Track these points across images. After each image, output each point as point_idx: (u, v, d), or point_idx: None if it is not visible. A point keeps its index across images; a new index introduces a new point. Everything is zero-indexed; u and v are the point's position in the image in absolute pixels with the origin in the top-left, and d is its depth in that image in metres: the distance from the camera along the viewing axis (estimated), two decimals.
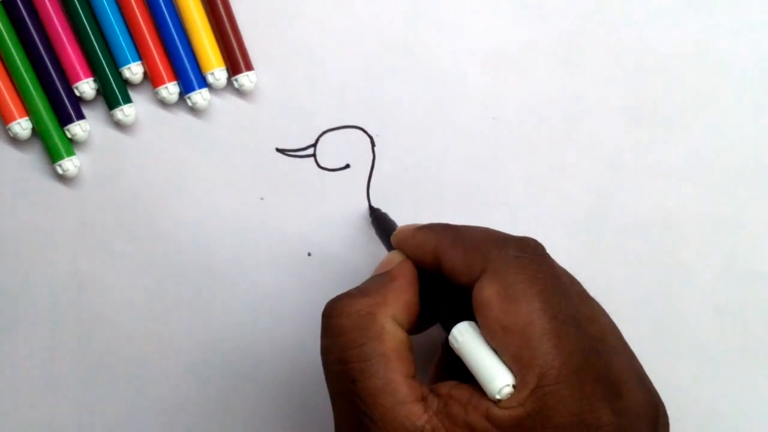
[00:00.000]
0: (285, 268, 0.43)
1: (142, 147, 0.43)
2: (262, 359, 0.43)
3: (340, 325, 0.29)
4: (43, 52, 0.41)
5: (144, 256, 0.43)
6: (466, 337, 0.28)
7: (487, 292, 0.27)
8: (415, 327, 0.31)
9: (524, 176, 0.42)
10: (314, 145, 0.43)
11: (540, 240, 0.42)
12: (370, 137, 0.43)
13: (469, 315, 0.29)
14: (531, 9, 0.42)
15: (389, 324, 0.29)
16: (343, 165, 0.43)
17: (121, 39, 0.41)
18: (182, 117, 0.43)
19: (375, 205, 0.43)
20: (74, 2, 0.41)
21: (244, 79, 0.42)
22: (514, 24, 0.42)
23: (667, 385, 0.42)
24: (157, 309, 0.43)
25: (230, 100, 0.43)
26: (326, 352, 0.29)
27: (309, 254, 0.43)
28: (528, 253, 0.28)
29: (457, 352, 0.28)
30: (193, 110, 0.42)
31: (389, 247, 0.35)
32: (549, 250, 0.42)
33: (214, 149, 0.43)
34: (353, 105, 0.42)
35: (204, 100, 0.42)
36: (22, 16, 0.41)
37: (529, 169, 0.42)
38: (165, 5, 0.41)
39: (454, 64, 0.42)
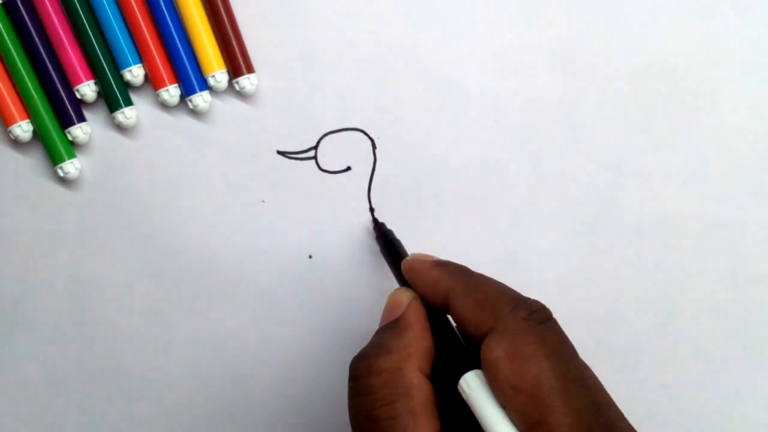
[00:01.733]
0: (286, 271, 0.43)
1: (143, 149, 0.43)
2: (263, 361, 0.43)
3: (368, 385, 0.29)
4: (44, 54, 0.41)
5: (145, 258, 0.43)
6: (473, 389, 0.28)
7: (497, 353, 0.28)
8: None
9: (525, 179, 0.42)
10: (315, 148, 0.43)
11: (541, 242, 0.42)
12: (371, 140, 0.43)
13: (473, 360, 0.29)
14: (532, 12, 0.42)
15: (417, 378, 0.29)
16: (344, 167, 0.43)
17: (122, 41, 0.41)
18: (183, 119, 0.43)
19: (375, 206, 0.43)
20: (75, 4, 0.41)
21: (245, 81, 0.42)
22: (515, 27, 0.42)
23: (667, 386, 0.42)
24: (158, 311, 0.43)
25: (231, 103, 0.43)
26: (356, 411, 0.30)
27: (310, 256, 0.43)
28: (537, 316, 0.29)
29: (465, 400, 0.29)
30: (194, 113, 0.42)
31: (394, 269, 0.36)
32: (549, 252, 0.42)
33: (215, 152, 0.43)
34: (354, 107, 0.42)
35: (205, 102, 0.42)
36: (23, 18, 0.41)
37: (530, 172, 0.42)
38: (166, 7, 0.41)
39: (455, 66, 0.42)
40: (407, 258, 0.34)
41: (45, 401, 0.43)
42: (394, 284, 0.43)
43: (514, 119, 0.42)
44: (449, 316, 0.31)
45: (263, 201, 0.43)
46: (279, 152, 0.43)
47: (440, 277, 0.31)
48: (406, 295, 0.32)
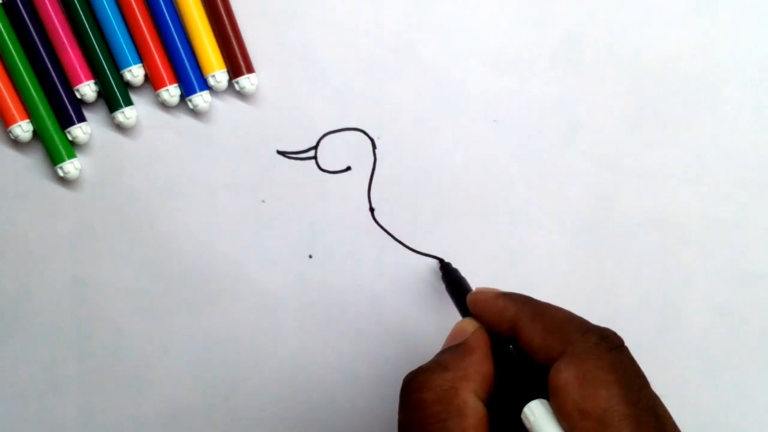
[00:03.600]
0: (286, 270, 0.43)
1: (143, 149, 0.43)
2: (263, 361, 0.43)
3: (421, 400, 0.29)
4: (44, 54, 0.41)
5: (145, 258, 0.43)
6: (538, 417, 0.28)
7: (566, 376, 0.27)
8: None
9: (525, 178, 0.42)
10: (315, 148, 0.43)
11: (541, 241, 0.42)
12: (371, 139, 0.43)
13: (539, 390, 0.29)
14: (532, 12, 0.42)
15: (471, 399, 0.29)
16: (344, 167, 0.43)
17: (122, 41, 0.41)
18: (183, 119, 0.43)
19: (375, 206, 0.43)
20: (75, 4, 0.41)
21: (245, 81, 0.42)
22: (515, 26, 0.42)
23: (667, 386, 0.42)
24: (158, 311, 0.43)
25: (231, 103, 0.43)
26: (406, 425, 0.29)
27: (310, 256, 0.43)
28: (609, 342, 0.28)
29: (528, 428, 0.28)
30: (194, 113, 0.42)
31: (460, 305, 0.36)
32: (550, 251, 0.42)
33: (215, 152, 0.43)
34: (354, 107, 0.42)
35: (205, 102, 0.42)
36: (23, 18, 0.41)
37: (530, 171, 0.42)
38: (166, 7, 0.41)
39: (455, 66, 0.42)
40: (472, 291, 0.34)
41: (45, 401, 0.43)
42: (395, 284, 0.43)
43: (514, 119, 0.42)
44: (514, 348, 0.31)
45: (263, 201, 0.43)
46: (279, 152, 0.43)
47: (506, 306, 0.31)
48: (472, 324, 0.32)
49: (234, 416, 0.43)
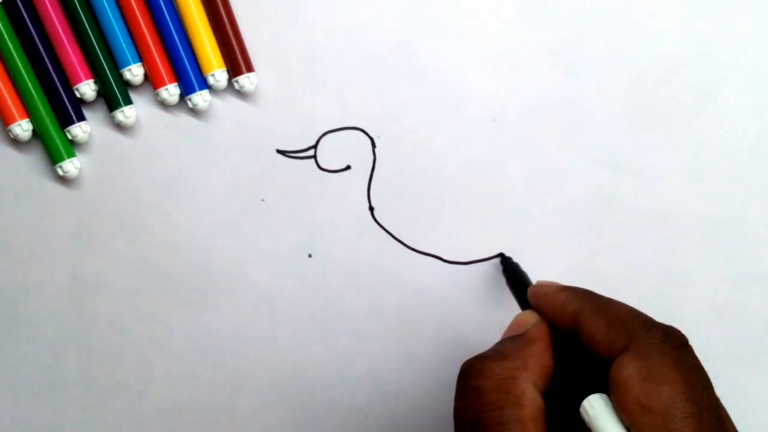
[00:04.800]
0: (286, 270, 0.43)
1: (142, 148, 0.43)
2: (263, 361, 0.43)
3: (479, 387, 0.29)
4: (43, 53, 0.41)
5: (144, 257, 0.43)
6: (597, 410, 0.28)
7: (628, 370, 0.27)
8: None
9: (525, 177, 0.42)
10: (315, 147, 0.43)
11: (541, 240, 0.42)
12: (371, 138, 0.43)
13: (597, 385, 0.29)
14: (531, 10, 0.42)
15: (530, 389, 0.28)
16: (343, 166, 0.43)
17: (121, 40, 0.41)
18: (183, 118, 0.43)
19: (375, 206, 0.43)
20: (75, 3, 0.41)
21: (245, 80, 0.42)
22: (515, 25, 0.42)
23: None
24: (158, 310, 0.43)
25: (231, 102, 0.43)
26: (462, 412, 0.29)
27: (310, 255, 0.43)
28: (674, 340, 0.28)
29: (587, 424, 0.28)
30: (194, 112, 0.42)
31: (520, 299, 0.36)
32: (550, 251, 0.42)
33: (214, 151, 0.43)
34: (354, 106, 0.42)
35: (204, 101, 0.42)
36: (23, 17, 0.41)
37: (530, 171, 0.42)
38: (165, 6, 0.41)
39: (454, 65, 0.42)
40: (533, 284, 0.34)
41: (45, 401, 0.43)
42: (397, 284, 0.43)
43: (513, 119, 0.42)
44: (574, 342, 0.31)
45: (263, 200, 0.43)
46: (279, 151, 0.43)
47: (568, 299, 0.31)
48: (533, 317, 0.32)
49: (234, 416, 0.43)
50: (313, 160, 0.43)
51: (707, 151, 0.42)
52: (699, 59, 0.42)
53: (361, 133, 0.43)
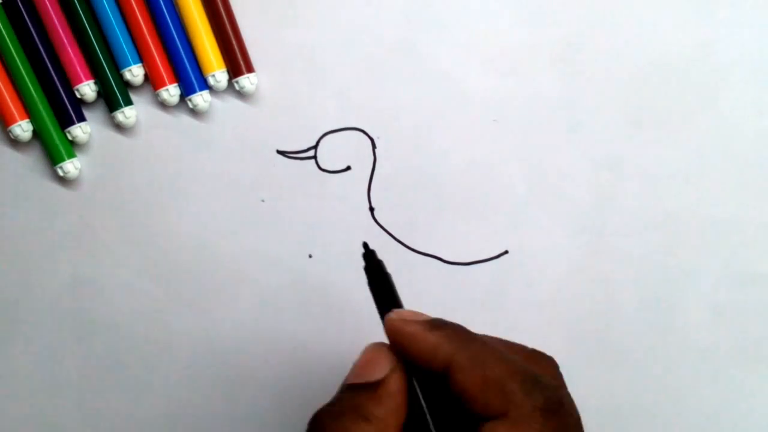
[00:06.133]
0: (286, 270, 0.43)
1: (142, 149, 0.43)
2: (263, 360, 0.43)
3: None
4: (43, 54, 0.41)
5: (144, 257, 0.43)
6: None
7: None
8: None
9: (525, 178, 0.42)
10: (315, 147, 0.43)
11: (541, 241, 0.42)
12: (371, 139, 0.43)
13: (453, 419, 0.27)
14: (532, 11, 0.42)
15: None
16: (344, 167, 0.43)
17: (121, 41, 0.41)
18: (183, 119, 0.43)
19: (375, 206, 0.43)
20: (75, 4, 0.41)
21: (245, 81, 0.42)
22: (515, 26, 0.42)
23: (666, 386, 0.42)
24: (158, 311, 0.43)
25: (231, 102, 0.43)
26: None
27: (310, 256, 0.43)
28: (552, 404, 0.26)
29: None
30: (194, 112, 0.42)
31: (381, 310, 0.31)
32: (550, 251, 0.42)
33: (214, 151, 0.43)
34: (354, 107, 0.42)
35: (205, 102, 0.42)
36: (23, 18, 0.41)
37: (530, 171, 0.42)
38: (166, 7, 0.41)
39: (454, 66, 0.42)
40: (393, 317, 0.29)
41: (45, 401, 0.43)
42: (397, 284, 0.43)
43: (514, 119, 0.42)
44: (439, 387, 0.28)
45: (263, 200, 0.43)
46: (279, 152, 0.43)
47: (439, 343, 0.27)
48: (389, 360, 0.28)
49: (233, 415, 0.43)
50: (313, 160, 0.43)
51: (707, 151, 0.42)
52: (699, 59, 0.42)
53: (361, 134, 0.43)
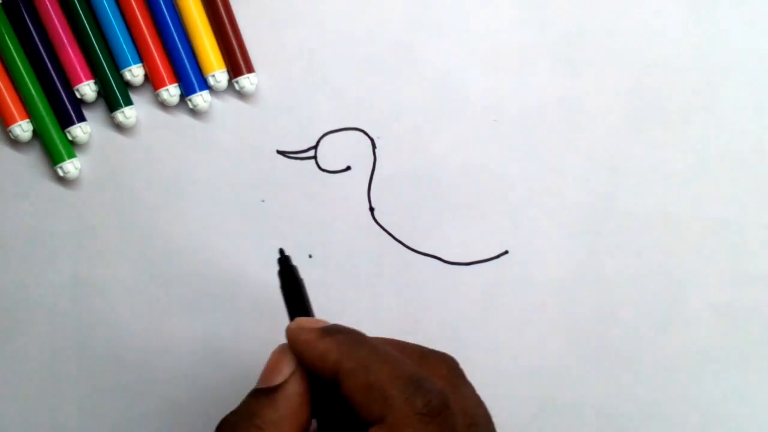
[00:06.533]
0: None
1: (142, 149, 0.43)
2: (263, 361, 0.43)
3: None
4: (43, 54, 0.41)
5: (144, 258, 0.43)
6: None
7: None
8: None
9: (525, 178, 0.42)
10: (315, 147, 0.43)
11: (541, 241, 0.42)
12: (371, 139, 0.43)
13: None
14: (531, 11, 0.42)
15: None
16: (344, 167, 0.43)
17: (121, 41, 0.41)
18: (183, 119, 0.43)
19: (375, 206, 0.43)
20: (75, 4, 0.41)
21: (245, 81, 0.42)
22: (515, 26, 0.42)
23: (666, 386, 0.42)
24: (158, 311, 0.43)
25: (231, 102, 0.43)
26: None
27: (310, 256, 0.43)
28: (433, 408, 0.26)
29: None
30: (194, 112, 0.42)
31: (290, 317, 0.33)
32: (550, 251, 0.42)
33: (214, 151, 0.43)
34: (354, 107, 0.42)
35: (205, 102, 0.42)
36: (23, 17, 0.41)
37: (530, 171, 0.42)
38: (166, 7, 0.41)
39: (454, 65, 0.42)
40: (291, 326, 0.30)
41: (44, 400, 0.43)
42: (397, 284, 0.43)
43: (514, 119, 0.42)
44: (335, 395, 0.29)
45: (263, 200, 0.43)
46: (279, 152, 0.43)
47: (329, 349, 0.28)
48: (290, 364, 0.29)
49: None
50: (313, 160, 0.43)
51: (707, 151, 0.42)
52: (699, 59, 0.42)
53: (362, 134, 0.43)
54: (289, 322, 0.31)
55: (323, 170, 0.43)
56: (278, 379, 0.29)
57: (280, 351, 0.30)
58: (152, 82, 0.42)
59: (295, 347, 0.30)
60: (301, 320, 0.31)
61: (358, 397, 0.27)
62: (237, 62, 0.42)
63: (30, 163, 0.43)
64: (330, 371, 0.28)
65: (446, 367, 0.30)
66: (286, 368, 0.29)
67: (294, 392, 0.29)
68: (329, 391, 0.28)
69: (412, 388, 0.27)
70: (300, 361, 0.29)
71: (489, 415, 0.29)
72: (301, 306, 0.33)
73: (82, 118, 0.42)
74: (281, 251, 0.35)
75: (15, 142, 0.42)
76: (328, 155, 0.43)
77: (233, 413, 0.29)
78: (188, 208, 0.43)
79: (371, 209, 0.43)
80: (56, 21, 0.41)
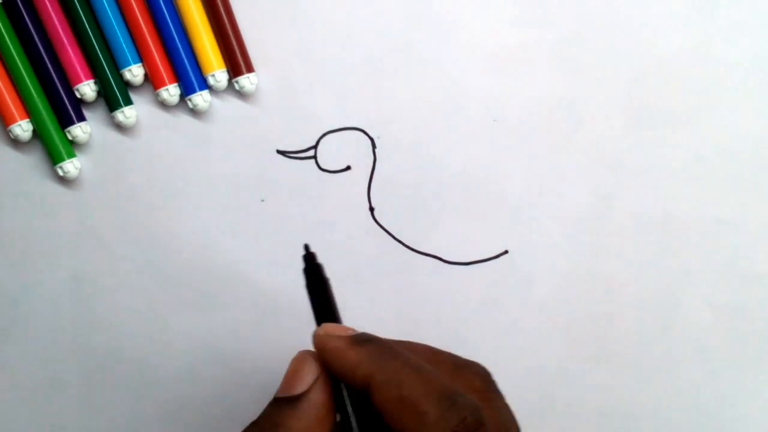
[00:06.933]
0: (285, 270, 0.43)
1: (142, 149, 0.43)
2: (263, 361, 0.43)
3: None
4: (43, 53, 0.41)
5: (144, 257, 0.43)
6: None
7: None
8: None
9: (525, 178, 0.42)
10: (315, 147, 0.43)
11: (541, 241, 0.42)
12: (371, 139, 0.43)
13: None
14: (532, 10, 0.42)
15: None
16: (343, 167, 0.43)
17: (121, 40, 0.41)
18: (183, 119, 0.43)
19: (375, 206, 0.43)
20: (75, 4, 0.41)
21: (245, 80, 0.42)
22: (515, 25, 0.42)
23: (666, 386, 0.42)
24: (158, 310, 0.43)
25: (231, 102, 0.43)
26: None
27: None
28: (468, 424, 0.26)
29: None
30: (194, 112, 0.42)
31: (318, 318, 0.31)
32: (550, 251, 0.42)
33: (214, 151, 0.43)
34: (354, 107, 0.42)
35: (205, 101, 0.42)
36: (23, 17, 0.41)
37: (530, 171, 0.42)
38: (166, 7, 0.41)
39: (454, 65, 0.42)
40: (319, 332, 0.29)
41: (45, 401, 0.43)
42: (397, 284, 0.43)
43: (513, 119, 0.42)
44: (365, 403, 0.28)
45: (263, 200, 0.43)
46: (279, 151, 0.43)
47: (360, 360, 0.27)
48: (312, 371, 0.28)
49: (234, 416, 0.43)
50: (313, 160, 0.43)
51: (707, 151, 0.42)
52: (699, 59, 0.42)
53: (361, 134, 0.43)
54: (315, 325, 0.30)
55: (323, 170, 0.43)
56: (301, 387, 0.28)
57: (302, 357, 0.29)
58: (152, 81, 0.42)
59: (323, 355, 0.29)
60: (328, 326, 0.30)
61: (391, 411, 0.26)
62: (237, 62, 0.42)
63: (30, 163, 0.43)
64: (361, 382, 0.27)
65: (480, 379, 0.29)
66: (309, 375, 0.28)
67: (318, 400, 0.28)
68: (355, 398, 0.28)
69: (447, 404, 0.26)
70: (328, 369, 0.28)
71: (520, 429, 0.28)
72: (327, 309, 0.31)
73: (82, 118, 0.42)
74: (306, 247, 0.32)
75: (15, 142, 0.42)
76: (328, 155, 0.43)
77: (254, 424, 0.28)
78: (188, 207, 0.43)
79: (371, 209, 0.43)
80: (56, 21, 0.41)
